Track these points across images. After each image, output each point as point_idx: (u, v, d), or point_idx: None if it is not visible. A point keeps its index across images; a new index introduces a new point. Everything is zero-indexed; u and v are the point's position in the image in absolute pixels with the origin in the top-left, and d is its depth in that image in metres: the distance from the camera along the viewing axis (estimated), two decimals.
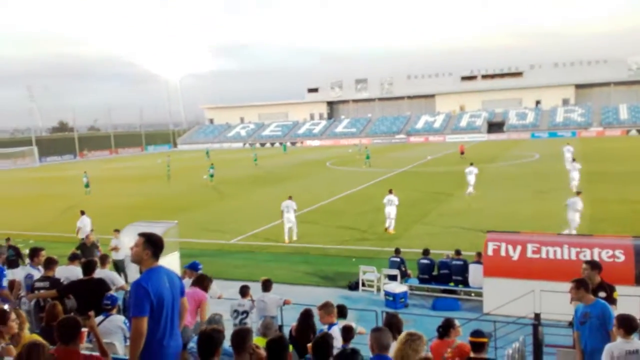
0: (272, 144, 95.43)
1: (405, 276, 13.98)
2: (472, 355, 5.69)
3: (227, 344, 4.71)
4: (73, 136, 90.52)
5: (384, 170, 42.86)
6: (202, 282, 8.27)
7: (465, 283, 13.26)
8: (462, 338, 6.56)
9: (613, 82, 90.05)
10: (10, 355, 4.49)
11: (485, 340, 5.73)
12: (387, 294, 13.00)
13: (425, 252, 14.24)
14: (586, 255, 11.05)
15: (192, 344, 5.21)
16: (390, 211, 20.37)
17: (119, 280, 9.70)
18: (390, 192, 20.92)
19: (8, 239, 16.00)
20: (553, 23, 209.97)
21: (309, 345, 5.09)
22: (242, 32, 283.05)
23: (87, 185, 36.37)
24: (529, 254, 11.84)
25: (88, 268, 7.93)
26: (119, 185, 42.32)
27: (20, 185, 47.21)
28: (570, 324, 7.38)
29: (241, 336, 4.57)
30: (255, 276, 12.71)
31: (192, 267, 9.73)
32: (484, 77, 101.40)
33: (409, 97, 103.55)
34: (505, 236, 12.88)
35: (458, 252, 14.08)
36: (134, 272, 12.40)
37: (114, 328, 6.64)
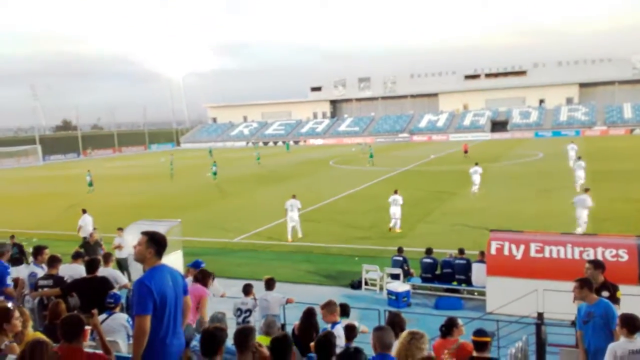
0: (275, 143, 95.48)
1: (408, 275, 13.97)
2: (474, 354, 5.68)
3: (230, 342, 4.71)
4: (76, 135, 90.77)
5: (387, 169, 42.82)
6: (203, 278, 8.28)
7: (468, 282, 13.25)
8: (464, 337, 6.55)
9: (617, 81, 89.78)
10: (13, 353, 4.50)
11: (488, 339, 5.71)
12: (389, 292, 12.99)
13: (428, 251, 14.22)
14: (590, 254, 11.02)
15: (195, 343, 5.21)
16: (395, 211, 20.36)
17: (122, 279, 9.71)
18: (396, 192, 20.88)
19: (12, 237, 16.07)
20: (554, 21, 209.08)
21: (312, 344, 5.09)
22: (244, 30, 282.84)
23: (90, 184, 36.46)
24: (532, 253, 11.82)
25: (91, 266, 7.95)
26: (123, 183, 42.42)
27: (24, 183, 47.34)
28: (573, 324, 7.36)
29: (244, 334, 4.57)
30: (258, 275, 12.75)
31: (195, 266, 9.74)
32: (488, 75, 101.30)
33: (412, 96, 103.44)
34: (508, 235, 12.86)
35: (461, 251, 14.05)
36: (137, 270, 12.43)
37: (117, 326, 6.65)
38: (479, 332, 5.73)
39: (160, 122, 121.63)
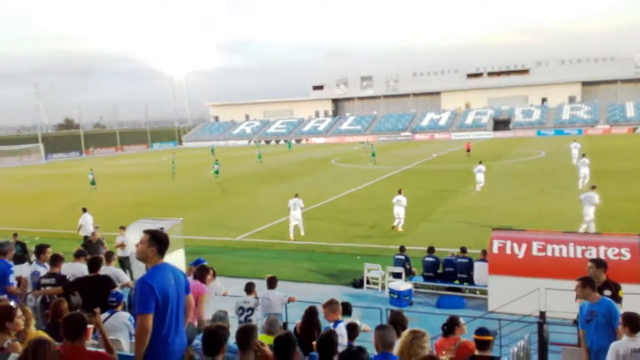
0: (277, 142, 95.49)
1: (410, 274, 13.97)
2: (477, 353, 5.68)
3: (232, 341, 4.72)
4: (79, 133, 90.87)
5: (390, 167, 42.80)
6: (200, 274, 8.28)
7: (470, 281, 13.24)
8: (466, 336, 6.55)
9: (620, 80, 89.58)
10: (16, 352, 4.51)
11: (490, 338, 5.71)
12: (391, 291, 12.99)
13: (430, 250, 14.21)
14: (592, 253, 11.02)
15: (197, 341, 5.22)
16: (399, 212, 20.30)
17: (125, 277, 9.73)
18: (400, 192, 20.79)
19: (15, 235, 16.08)
20: (555, 20, 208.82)
21: (314, 342, 5.10)
22: (246, 29, 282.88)
23: (92, 183, 36.54)
24: (535, 252, 11.80)
25: (94, 265, 7.96)
26: (125, 182, 42.46)
27: (26, 182, 47.41)
28: (575, 322, 7.35)
29: (246, 333, 4.58)
30: (261, 273, 12.75)
31: (197, 264, 9.75)
32: (490, 74, 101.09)
33: (415, 95, 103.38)
34: (510, 234, 12.85)
35: (463, 250, 14.04)
36: (139, 269, 12.45)
37: (120, 325, 6.66)
38: (481, 331, 5.73)
39: (163, 121, 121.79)
